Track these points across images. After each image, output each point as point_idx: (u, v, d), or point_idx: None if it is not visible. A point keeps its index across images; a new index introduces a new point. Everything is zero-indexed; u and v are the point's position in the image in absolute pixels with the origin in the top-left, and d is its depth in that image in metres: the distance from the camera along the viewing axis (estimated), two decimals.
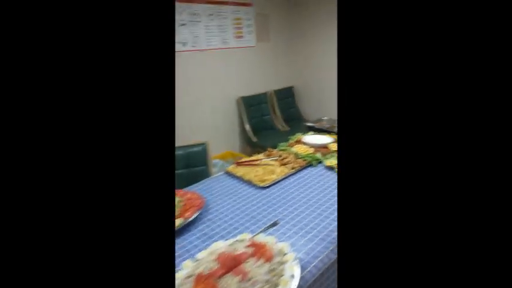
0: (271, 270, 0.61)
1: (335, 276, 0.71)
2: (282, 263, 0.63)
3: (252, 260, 0.63)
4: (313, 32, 2.99)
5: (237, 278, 0.59)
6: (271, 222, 0.80)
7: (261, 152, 1.41)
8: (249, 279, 0.59)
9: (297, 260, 0.65)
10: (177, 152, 1.46)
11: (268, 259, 0.63)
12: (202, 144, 1.52)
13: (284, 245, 0.69)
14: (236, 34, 2.69)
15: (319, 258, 0.69)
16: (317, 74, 3.11)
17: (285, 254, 0.67)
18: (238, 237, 0.74)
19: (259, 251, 0.65)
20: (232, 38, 2.68)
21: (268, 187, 1.07)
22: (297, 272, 0.62)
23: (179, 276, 0.63)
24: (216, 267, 0.62)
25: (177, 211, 0.87)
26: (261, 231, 0.75)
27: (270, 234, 0.78)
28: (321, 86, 3.11)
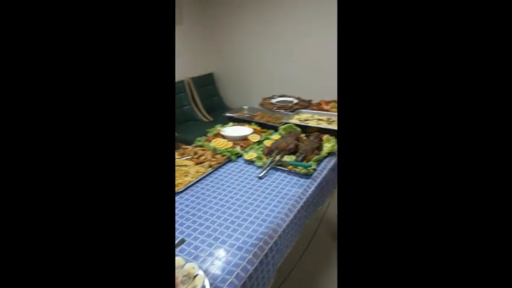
0: None
1: None
2: None
3: None
4: (231, 16, 2.86)
5: None
6: (179, 238, 0.69)
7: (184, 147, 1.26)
8: None
9: (207, 282, 0.56)
10: None
11: None
12: None
13: (193, 266, 0.59)
14: None
15: (234, 274, 0.62)
16: (239, 61, 3.00)
17: (195, 277, 0.58)
18: None
19: None
20: None
21: (181, 192, 0.95)
22: None
23: None
24: None
25: None
26: None
27: (178, 253, 0.67)
28: (244, 73, 3.03)
